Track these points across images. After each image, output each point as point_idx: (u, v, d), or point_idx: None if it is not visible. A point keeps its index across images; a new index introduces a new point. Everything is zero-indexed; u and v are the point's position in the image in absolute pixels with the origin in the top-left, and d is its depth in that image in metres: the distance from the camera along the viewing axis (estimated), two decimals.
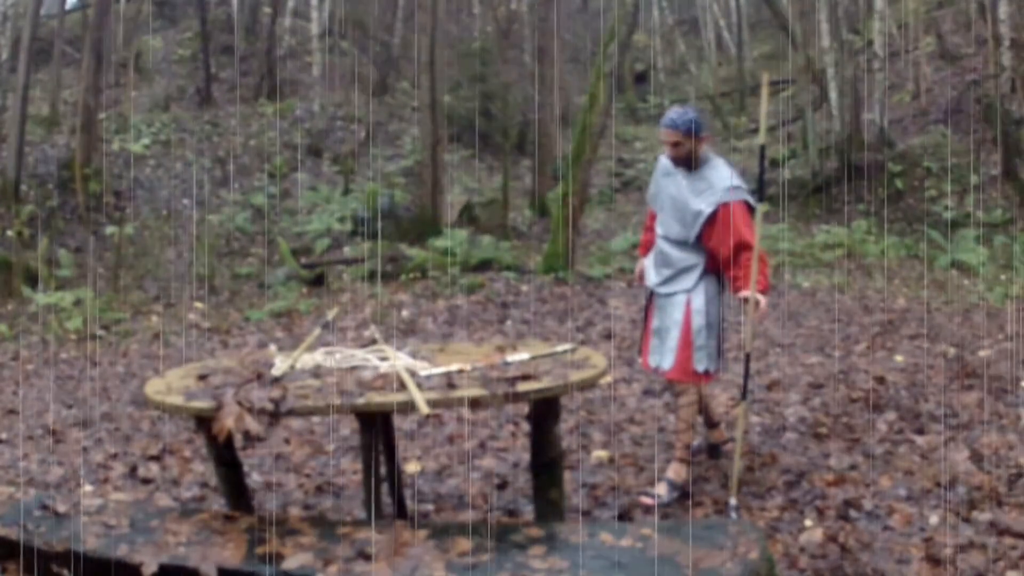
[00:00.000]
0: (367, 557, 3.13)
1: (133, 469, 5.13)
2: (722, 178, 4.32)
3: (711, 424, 4.94)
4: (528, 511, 4.19)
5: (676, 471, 4.50)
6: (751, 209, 4.33)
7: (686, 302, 4.42)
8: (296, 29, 22.44)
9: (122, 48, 19.26)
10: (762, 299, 4.26)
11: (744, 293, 4.22)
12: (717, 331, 4.47)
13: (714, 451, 4.95)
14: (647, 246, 4.81)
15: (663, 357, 4.49)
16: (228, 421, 3.34)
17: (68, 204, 13.93)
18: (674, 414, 4.71)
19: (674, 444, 4.63)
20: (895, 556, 3.72)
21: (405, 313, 9.74)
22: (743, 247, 4.25)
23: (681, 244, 4.44)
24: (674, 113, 4.37)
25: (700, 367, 4.43)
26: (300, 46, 21.98)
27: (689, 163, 4.39)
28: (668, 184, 4.51)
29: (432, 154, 13.39)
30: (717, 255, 4.34)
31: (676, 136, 4.32)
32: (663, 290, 4.52)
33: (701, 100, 23.17)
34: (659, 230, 4.59)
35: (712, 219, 4.29)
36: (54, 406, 6.89)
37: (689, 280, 4.42)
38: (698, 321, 4.41)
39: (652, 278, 4.59)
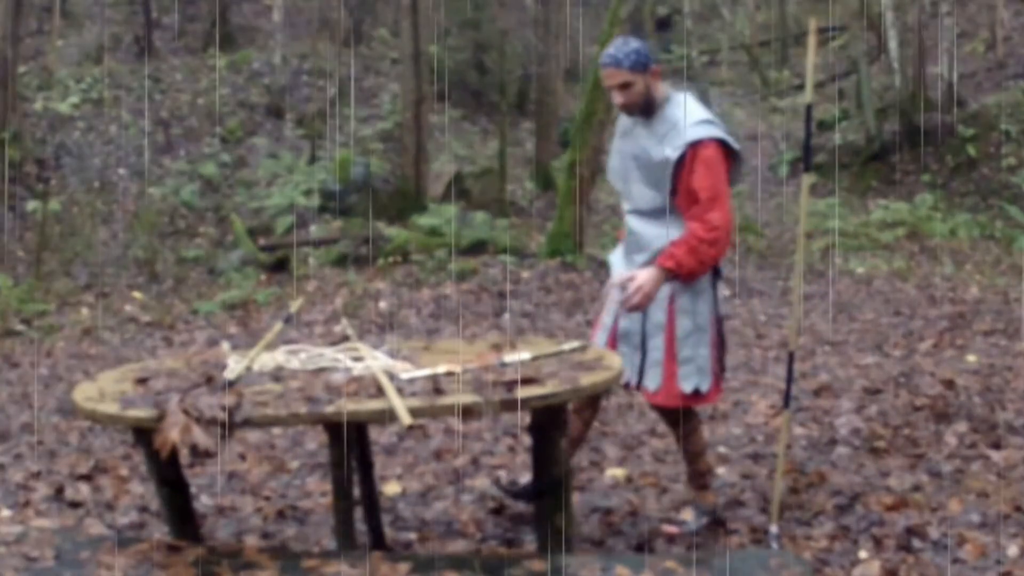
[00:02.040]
0: None
1: (59, 490, 5.13)
2: (689, 113, 4.04)
3: (576, 441, 4.45)
4: (529, 540, 4.19)
5: (703, 497, 4.46)
6: (729, 152, 4.08)
7: (668, 298, 4.12)
8: None
9: None
10: (642, 278, 4.00)
11: (633, 274, 4.01)
12: (711, 336, 4.21)
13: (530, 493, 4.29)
14: None
15: (645, 374, 4.19)
16: (172, 433, 3.33)
17: None
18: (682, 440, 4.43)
19: (690, 477, 4.47)
20: None
21: (383, 304, 9.74)
22: (694, 198, 4.00)
23: (658, 215, 4.14)
24: (613, 48, 4.08)
25: (687, 386, 4.14)
26: None
27: (646, 108, 4.12)
28: (628, 145, 4.25)
29: (415, 115, 13.36)
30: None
31: (622, 75, 4.05)
32: None
33: (735, 51, 23.15)
34: (627, 206, 4.30)
35: (681, 166, 4.02)
36: None
37: None
38: (684, 324, 4.13)
39: (622, 271, 4.27)
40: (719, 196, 3.99)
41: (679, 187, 4.06)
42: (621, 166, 4.31)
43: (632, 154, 4.23)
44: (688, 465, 4.44)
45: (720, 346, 4.29)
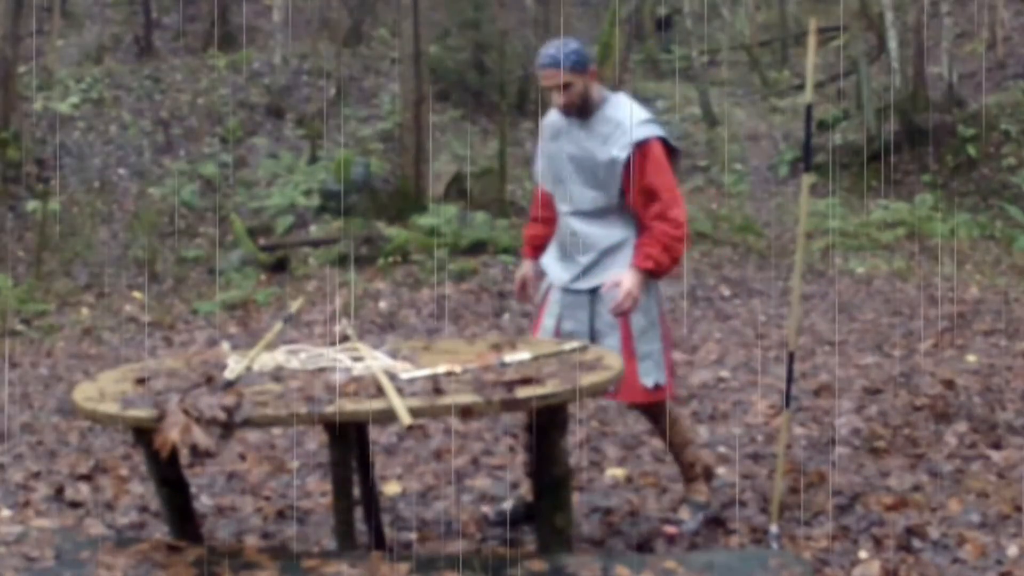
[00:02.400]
0: None
1: (59, 490, 5.13)
2: (632, 113, 4.14)
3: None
4: (529, 540, 4.19)
5: (696, 489, 4.47)
6: (670, 150, 4.18)
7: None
8: None
9: None
10: (629, 282, 4.04)
11: (617, 280, 4.05)
12: (662, 331, 4.27)
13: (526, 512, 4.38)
14: (537, 243, 4.52)
15: None
16: (172, 433, 3.33)
17: None
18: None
19: (681, 469, 4.50)
20: None
21: (383, 304, 9.74)
22: (653, 196, 4.08)
23: (601, 214, 4.21)
24: (552, 49, 4.10)
25: (648, 380, 4.18)
26: None
27: (583, 108, 4.17)
28: (563, 145, 4.26)
29: (415, 115, 13.35)
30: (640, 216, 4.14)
31: (562, 76, 4.08)
32: (584, 285, 4.24)
33: (735, 51, 23.14)
34: (564, 208, 4.30)
35: (628, 166, 4.09)
36: None
37: (620, 263, 4.16)
38: (638, 321, 4.17)
39: (562, 275, 4.31)
40: (676, 193, 4.11)
41: (628, 187, 4.12)
42: (553, 167, 4.34)
43: (569, 155, 4.25)
44: (675, 459, 4.48)
45: (669, 340, 4.36)
